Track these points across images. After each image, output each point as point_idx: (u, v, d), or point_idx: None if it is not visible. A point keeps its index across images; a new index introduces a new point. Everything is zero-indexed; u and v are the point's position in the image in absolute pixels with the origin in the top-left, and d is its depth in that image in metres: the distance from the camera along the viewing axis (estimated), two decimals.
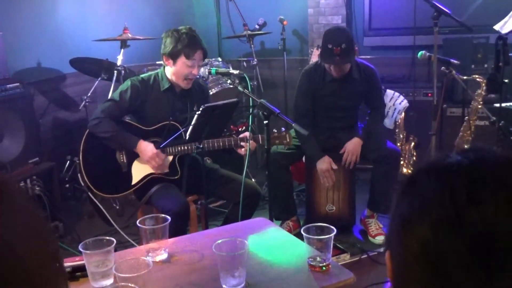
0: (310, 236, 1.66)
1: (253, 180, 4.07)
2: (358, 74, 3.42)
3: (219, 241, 1.60)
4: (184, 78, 2.87)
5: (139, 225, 1.79)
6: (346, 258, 3.08)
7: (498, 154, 0.68)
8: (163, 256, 1.79)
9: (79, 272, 1.67)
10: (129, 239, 3.21)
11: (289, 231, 3.39)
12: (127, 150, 2.88)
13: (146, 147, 2.82)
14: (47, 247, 0.65)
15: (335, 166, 3.41)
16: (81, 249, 1.61)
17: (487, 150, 0.69)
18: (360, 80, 3.42)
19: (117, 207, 3.91)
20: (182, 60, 2.84)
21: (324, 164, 3.38)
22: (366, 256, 3.11)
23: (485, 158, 0.67)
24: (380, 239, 3.38)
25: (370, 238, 3.46)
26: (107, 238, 1.66)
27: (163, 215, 1.85)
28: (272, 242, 1.90)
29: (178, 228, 2.56)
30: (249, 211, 2.90)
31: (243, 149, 2.80)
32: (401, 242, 0.68)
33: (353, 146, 3.39)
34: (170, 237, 1.86)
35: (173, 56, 2.86)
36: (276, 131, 2.87)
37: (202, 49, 2.88)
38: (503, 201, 0.61)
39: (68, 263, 1.70)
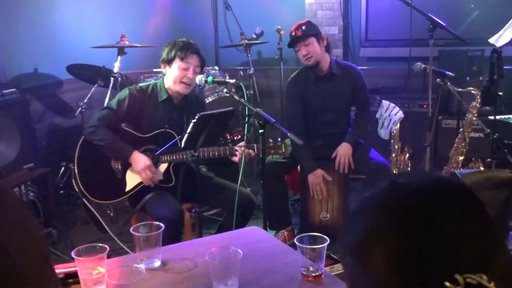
0: (303, 246, 1.66)
1: (248, 189, 4.07)
2: (338, 70, 3.47)
3: (212, 249, 1.60)
4: (180, 81, 2.89)
5: (132, 232, 1.79)
6: (339, 268, 3.07)
7: (422, 180, 0.73)
8: (156, 263, 1.78)
9: (72, 278, 1.66)
10: (123, 246, 3.20)
11: (284, 240, 3.39)
12: (121, 159, 2.88)
13: (139, 159, 2.83)
14: (39, 251, 0.65)
15: (328, 177, 3.42)
16: (73, 256, 1.60)
17: (409, 176, 0.75)
18: (343, 78, 3.48)
19: (111, 214, 3.90)
20: (177, 63, 2.87)
21: (315, 177, 3.41)
22: None
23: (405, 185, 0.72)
24: None
25: None
26: (100, 244, 1.66)
27: (157, 222, 1.84)
28: (265, 251, 1.90)
29: (172, 236, 2.55)
30: (243, 220, 2.90)
31: (237, 155, 2.81)
32: (358, 271, 0.72)
33: (344, 150, 3.42)
34: (164, 244, 1.86)
35: (169, 61, 2.89)
36: (271, 141, 2.88)
37: (198, 54, 2.90)
38: (425, 224, 0.66)
39: (61, 269, 1.69)
